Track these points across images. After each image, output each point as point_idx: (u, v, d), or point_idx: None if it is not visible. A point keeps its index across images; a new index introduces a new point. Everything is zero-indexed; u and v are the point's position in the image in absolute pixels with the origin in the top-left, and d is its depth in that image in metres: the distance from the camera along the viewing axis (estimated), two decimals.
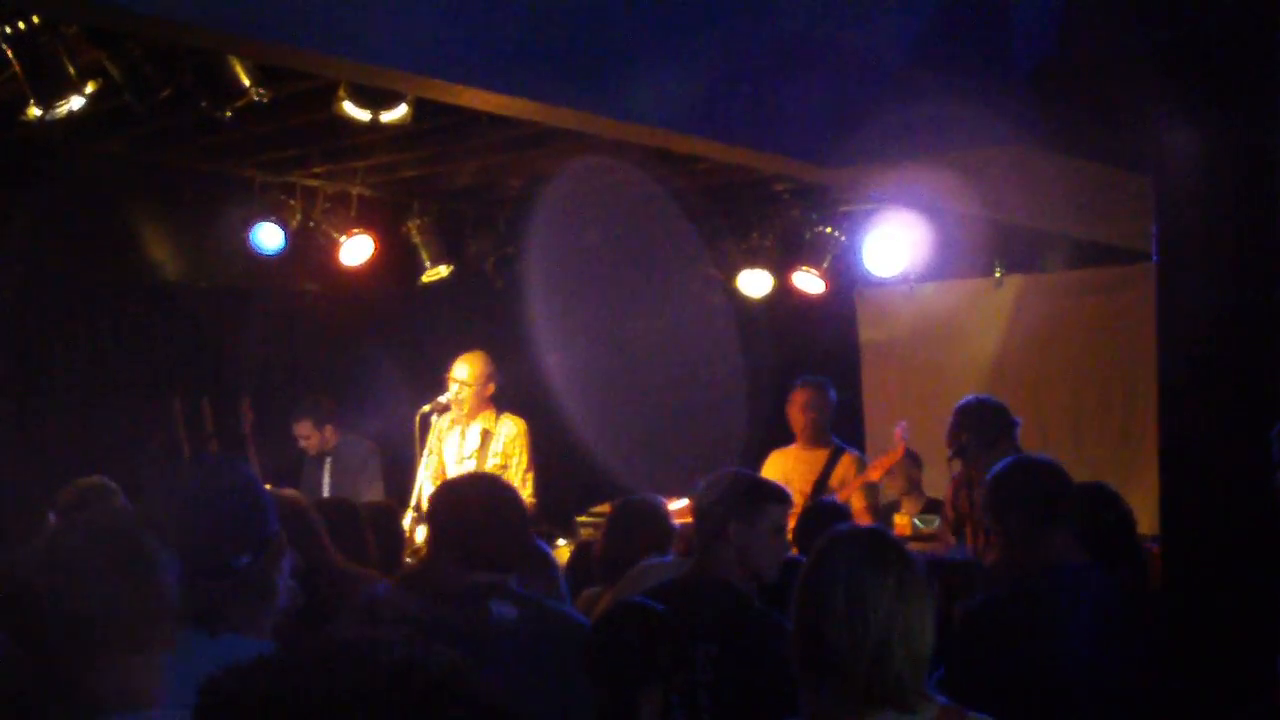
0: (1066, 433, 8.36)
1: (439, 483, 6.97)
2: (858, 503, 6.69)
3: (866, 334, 9.69)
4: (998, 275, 8.92)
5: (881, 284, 8.98)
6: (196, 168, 7.76)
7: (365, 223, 8.13)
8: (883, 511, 7.23)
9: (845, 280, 8.89)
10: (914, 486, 7.59)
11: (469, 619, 3.26)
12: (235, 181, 7.83)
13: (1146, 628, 3.78)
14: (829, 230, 8.22)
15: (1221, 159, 4.22)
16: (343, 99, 5.72)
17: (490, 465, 7.07)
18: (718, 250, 8.82)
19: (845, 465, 7.04)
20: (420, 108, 5.76)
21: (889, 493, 7.53)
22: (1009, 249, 8.73)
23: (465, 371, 7.04)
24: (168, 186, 7.84)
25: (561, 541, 7.41)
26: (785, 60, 5.02)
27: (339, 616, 3.53)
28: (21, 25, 4.86)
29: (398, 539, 5.48)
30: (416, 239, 8.40)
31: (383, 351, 8.47)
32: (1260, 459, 4.04)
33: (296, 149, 7.36)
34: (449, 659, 1.33)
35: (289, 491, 4.66)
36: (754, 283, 8.64)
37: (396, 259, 8.43)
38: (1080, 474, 5.47)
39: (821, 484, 6.92)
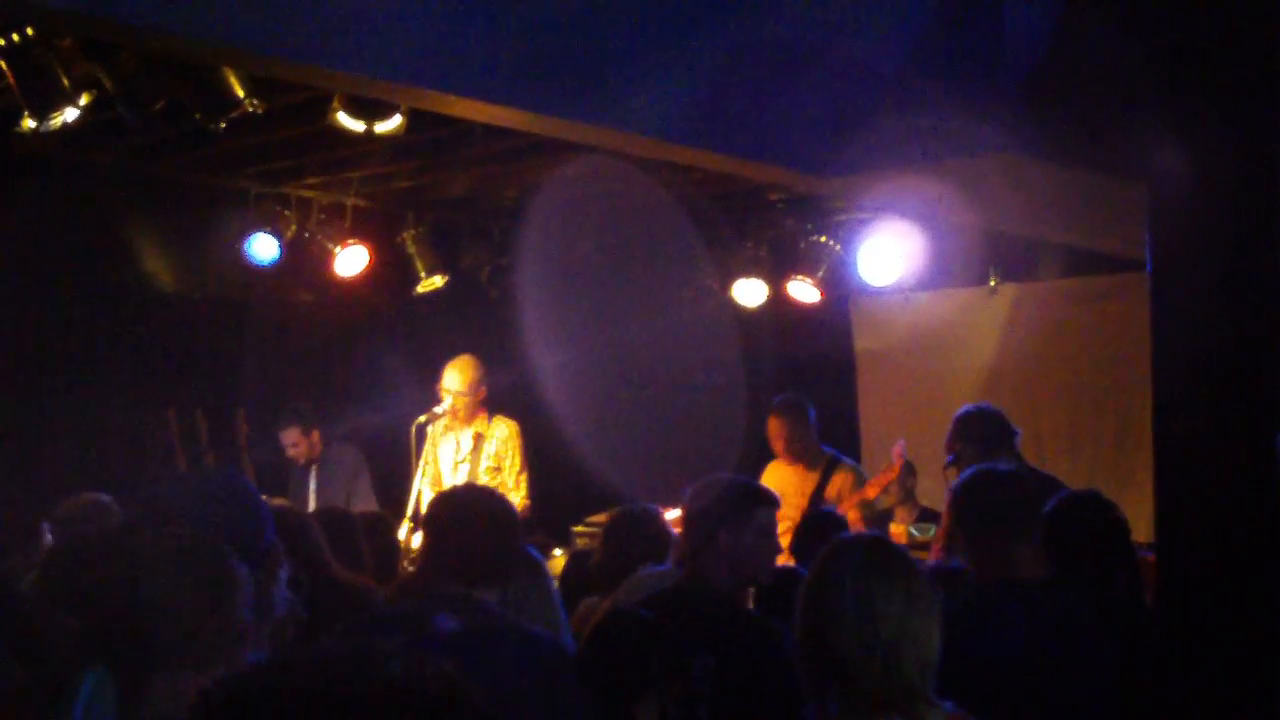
0: (1062, 440, 8.37)
1: (436, 489, 6.98)
2: (853, 516, 6.68)
3: (861, 343, 9.70)
4: (992, 284, 8.93)
5: (876, 293, 8.98)
6: (191, 179, 7.76)
7: (360, 233, 8.13)
8: (877, 521, 7.23)
9: (840, 289, 8.89)
10: (908, 496, 7.60)
11: (407, 632, 3.25)
12: (230, 192, 7.83)
13: (1115, 645, 3.75)
14: (824, 239, 8.22)
15: (1214, 167, 4.23)
16: (337, 110, 5.73)
17: (484, 467, 7.08)
18: (712, 259, 8.83)
19: (841, 477, 7.02)
20: (414, 118, 5.77)
21: (884, 502, 7.53)
22: (1003, 257, 8.73)
23: (456, 380, 7.03)
24: (162, 198, 7.84)
25: (557, 551, 7.41)
26: (779, 70, 5.02)
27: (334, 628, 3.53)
28: (15, 37, 4.86)
29: (393, 549, 5.49)
30: (411, 249, 8.40)
31: (378, 362, 8.47)
32: (1255, 465, 4.05)
33: (291, 160, 7.36)
34: (442, 671, 1.33)
35: (279, 502, 4.66)
36: (749, 292, 8.65)
37: (391, 269, 8.43)
38: (1075, 481, 5.51)
39: (818, 496, 6.91)
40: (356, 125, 5.75)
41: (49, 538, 4.67)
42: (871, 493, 7.00)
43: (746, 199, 8.10)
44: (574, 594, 5.11)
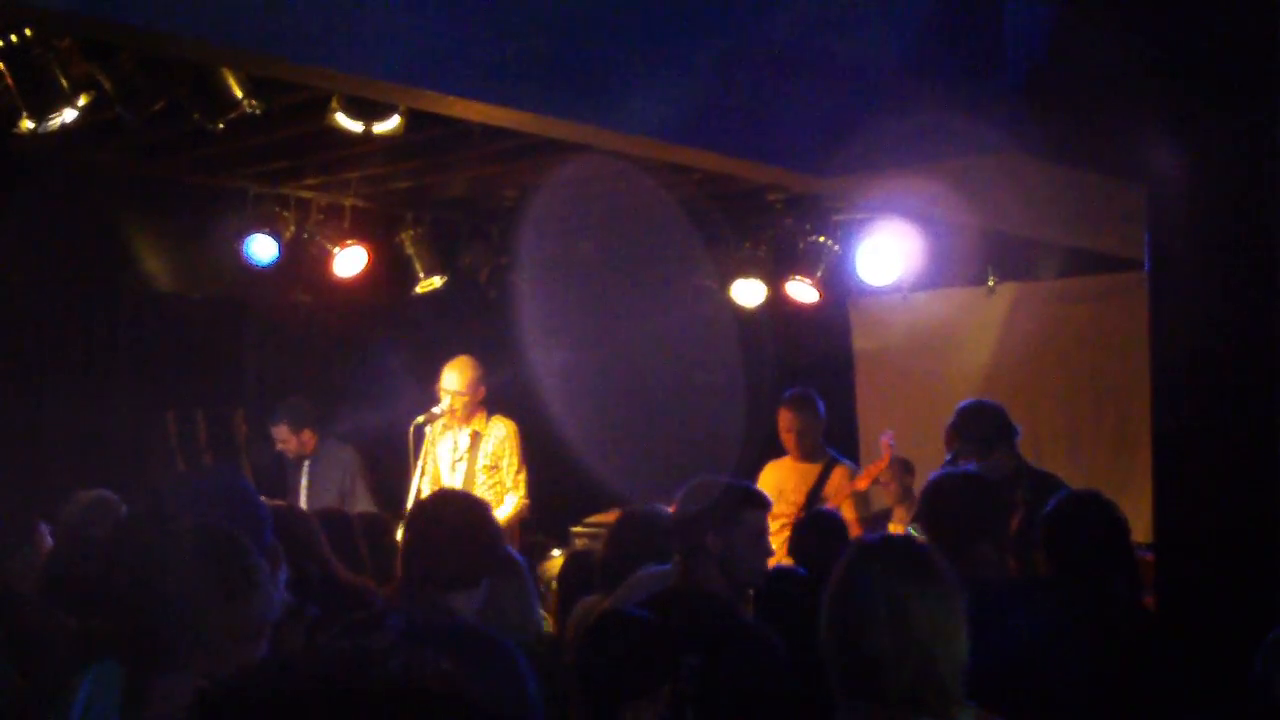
0: (1060, 440, 8.37)
1: (434, 489, 6.98)
2: (848, 513, 6.67)
3: (860, 343, 9.70)
4: (991, 283, 8.93)
5: (875, 293, 8.98)
6: (189, 180, 7.76)
7: (359, 234, 8.13)
8: (875, 520, 7.23)
9: (839, 289, 8.89)
10: (907, 494, 7.59)
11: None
12: (228, 193, 7.83)
13: (1087, 646, 3.75)
14: (822, 239, 8.22)
15: (1213, 167, 4.23)
16: (335, 111, 5.73)
17: (481, 466, 7.08)
18: (711, 259, 8.82)
19: (839, 477, 7.02)
20: (413, 119, 5.77)
21: (882, 501, 7.53)
22: (1002, 257, 8.73)
23: (455, 381, 7.04)
24: (161, 198, 7.83)
25: (556, 552, 7.41)
26: (778, 70, 5.03)
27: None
28: (14, 38, 4.86)
29: (391, 550, 5.47)
30: (410, 250, 8.40)
31: (376, 362, 8.46)
32: (1253, 465, 4.05)
33: (289, 160, 7.36)
34: (441, 669, 1.32)
35: (279, 503, 4.66)
36: (747, 292, 8.64)
37: (390, 270, 8.43)
38: (1074, 481, 5.51)
39: (815, 495, 6.91)
40: (355, 125, 5.75)
41: (49, 539, 4.66)
42: (862, 484, 6.99)
43: (745, 199, 8.10)
44: (573, 594, 5.10)
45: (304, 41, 3.95)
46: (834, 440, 7.49)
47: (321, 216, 8.07)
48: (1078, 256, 8.24)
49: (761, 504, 3.94)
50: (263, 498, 3.23)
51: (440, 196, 8.25)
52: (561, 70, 4.53)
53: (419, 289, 8.50)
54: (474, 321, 8.99)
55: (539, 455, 7.51)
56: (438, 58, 4.23)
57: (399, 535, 6.31)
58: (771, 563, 4.44)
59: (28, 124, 5.09)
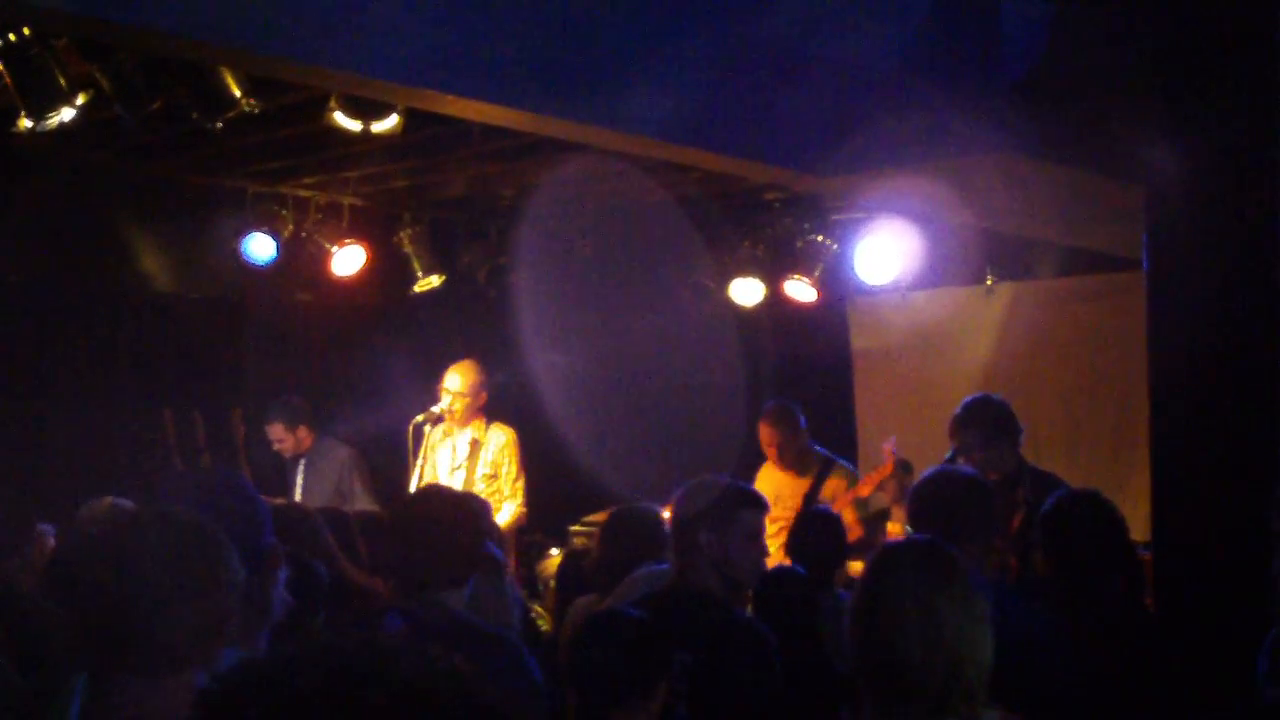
0: (1058, 440, 8.36)
1: None
2: (849, 515, 6.66)
3: (858, 342, 9.69)
4: (989, 283, 8.93)
5: (873, 292, 8.98)
6: (188, 179, 7.77)
7: (357, 233, 8.13)
8: (874, 520, 7.22)
9: (837, 288, 8.89)
10: (905, 494, 7.58)
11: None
12: (227, 192, 7.83)
13: (1081, 648, 3.75)
14: (820, 239, 8.22)
15: (1211, 166, 4.23)
16: (334, 110, 5.73)
17: (481, 474, 7.07)
18: (710, 259, 8.83)
19: (836, 478, 7.01)
20: (411, 118, 5.77)
21: (880, 501, 7.52)
22: (1000, 257, 8.73)
23: (457, 382, 7.04)
24: (159, 197, 7.84)
25: (554, 551, 7.41)
26: (777, 70, 5.03)
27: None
28: (12, 37, 4.86)
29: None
30: (408, 249, 8.40)
31: (375, 362, 8.46)
32: (1251, 464, 4.05)
33: (288, 160, 7.36)
34: (454, 668, 1.31)
35: (280, 501, 4.66)
36: (746, 291, 8.64)
37: (388, 269, 8.43)
38: (1073, 481, 5.51)
39: (812, 498, 6.89)
40: (353, 125, 5.75)
41: (50, 539, 4.66)
42: (865, 490, 6.98)
43: (744, 198, 8.11)
44: (570, 593, 5.11)
45: (302, 41, 3.95)
46: (832, 440, 7.49)
47: (320, 216, 8.07)
48: (1076, 256, 8.25)
49: (757, 504, 3.94)
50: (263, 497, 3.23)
51: (439, 196, 8.25)
52: (560, 70, 4.53)
53: (417, 288, 8.50)
54: (472, 321, 8.99)
55: (537, 454, 7.51)
56: (436, 57, 4.23)
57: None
58: (770, 563, 4.44)
59: (26, 123, 5.08)
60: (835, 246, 8.23)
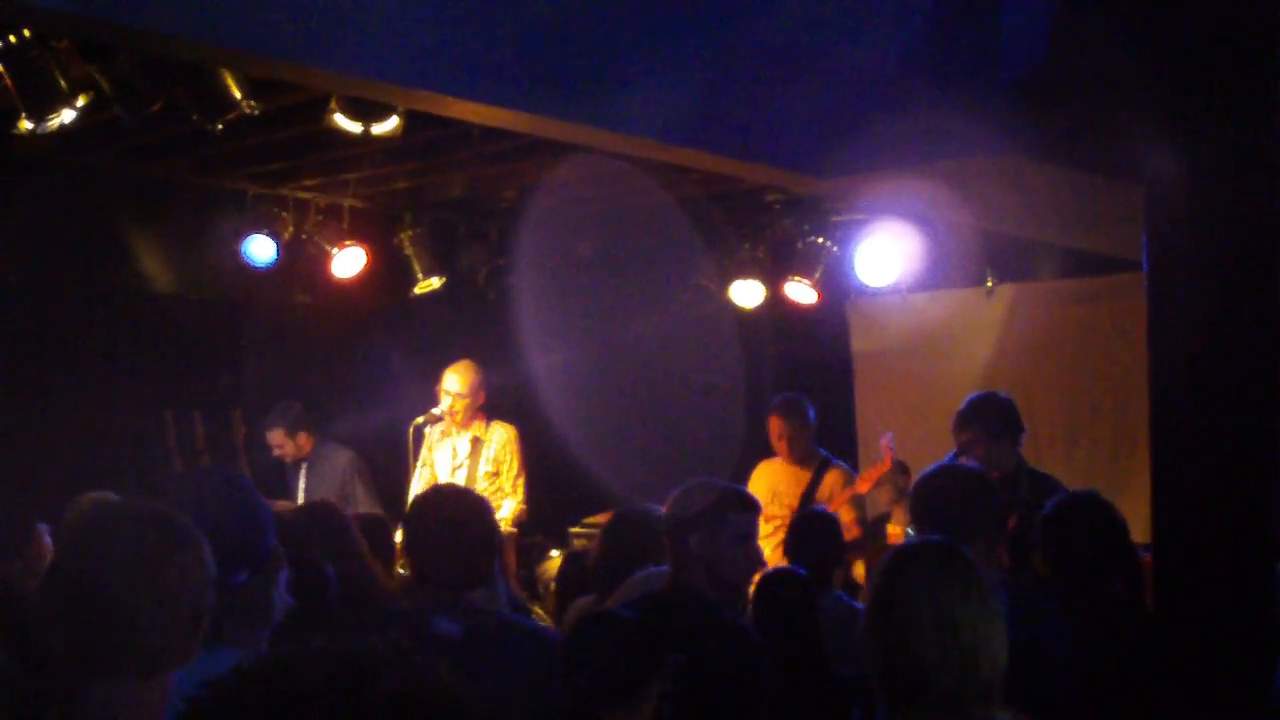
0: (1059, 441, 8.36)
1: None
2: (846, 515, 6.67)
3: (858, 344, 9.69)
4: (989, 285, 8.93)
5: (873, 294, 8.98)
6: (188, 180, 7.77)
7: (357, 234, 8.13)
8: (874, 522, 7.22)
9: (837, 290, 8.89)
10: (903, 496, 7.58)
11: (410, 633, 3.25)
12: (227, 194, 7.84)
13: (1082, 649, 3.74)
14: (820, 240, 8.22)
15: (1211, 168, 4.23)
16: (334, 111, 5.73)
17: (483, 473, 7.07)
18: (710, 260, 8.83)
19: (832, 478, 7.02)
20: (412, 120, 5.77)
21: (879, 503, 7.52)
22: (1000, 258, 8.73)
23: (456, 383, 7.04)
24: (159, 199, 7.84)
25: (554, 552, 7.40)
26: (777, 72, 5.03)
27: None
28: (13, 39, 4.86)
29: (389, 551, 5.47)
30: (409, 250, 8.41)
31: (375, 363, 8.46)
32: (1252, 466, 4.05)
33: (288, 161, 7.37)
34: (441, 680, 1.31)
35: (283, 504, 4.66)
36: (746, 293, 8.64)
37: (389, 271, 8.43)
38: (1073, 482, 5.51)
39: (809, 497, 6.90)
40: (354, 126, 5.76)
41: (49, 540, 4.65)
42: (863, 487, 6.98)
43: (744, 200, 8.11)
44: (570, 595, 5.11)
45: (303, 42, 3.96)
46: (832, 441, 7.49)
47: (320, 217, 8.08)
48: (1076, 257, 8.25)
49: (748, 507, 3.92)
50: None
51: (439, 197, 8.25)
52: (560, 71, 4.53)
53: (417, 290, 8.51)
54: (472, 322, 8.99)
55: (537, 456, 7.51)
56: (436, 59, 4.23)
57: (398, 536, 6.36)
58: (768, 563, 4.44)
59: (26, 125, 5.09)
60: (835, 248, 8.23)
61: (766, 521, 6.42)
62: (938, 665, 2.45)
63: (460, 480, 7.02)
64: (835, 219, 8.25)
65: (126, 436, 7.45)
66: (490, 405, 7.24)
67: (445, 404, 7.02)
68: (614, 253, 9.25)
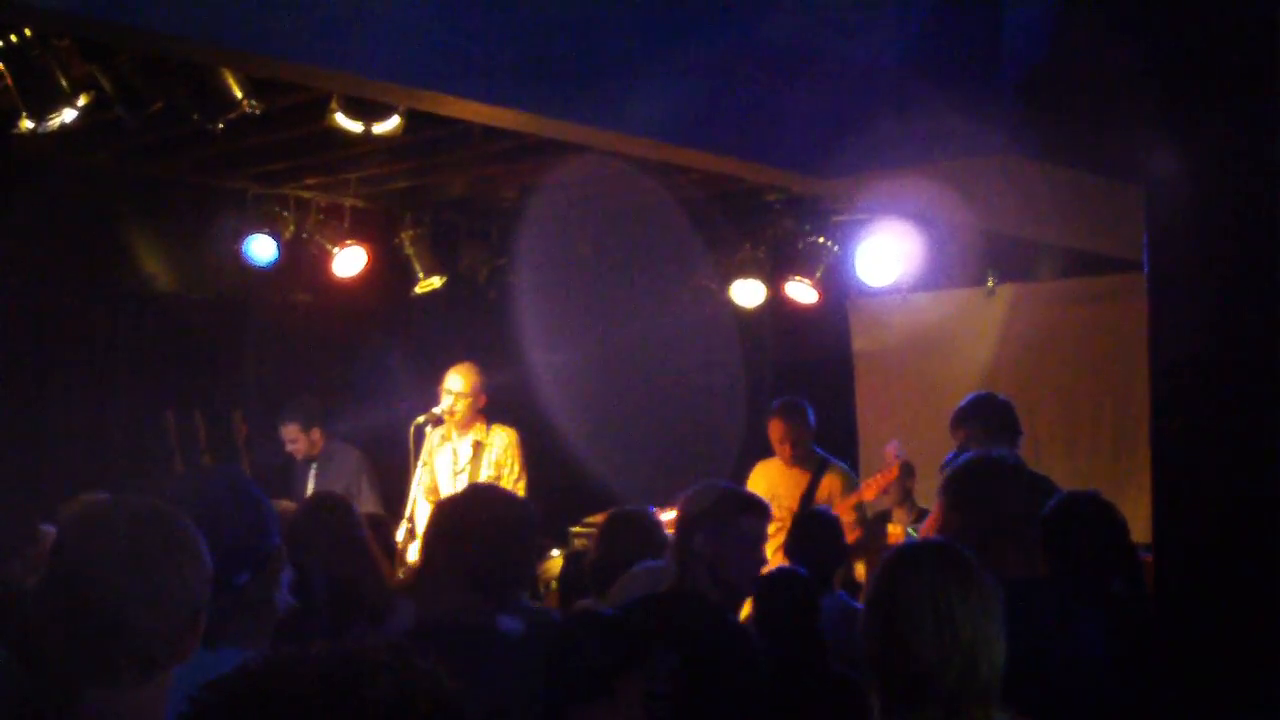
0: (1059, 441, 8.37)
1: (431, 498, 6.98)
2: (846, 516, 6.66)
3: (859, 344, 9.69)
4: (990, 284, 8.93)
5: (874, 294, 8.98)
6: (189, 180, 7.77)
7: (358, 234, 8.14)
8: (874, 522, 7.22)
9: (838, 290, 8.89)
10: (906, 496, 7.59)
11: (475, 633, 3.26)
12: (228, 193, 7.84)
13: (1122, 639, 3.73)
14: (821, 240, 8.22)
15: (1211, 168, 4.23)
16: (335, 111, 5.73)
17: (484, 476, 7.07)
18: (710, 260, 8.83)
19: (830, 479, 7.01)
20: (412, 119, 5.77)
21: (881, 503, 7.52)
22: (1001, 258, 8.73)
23: (459, 383, 7.04)
24: (160, 199, 7.85)
25: (555, 552, 7.41)
26: (777, 71, 5.03)
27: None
28: (14, 38, 4.86)
29: (390, 552, 5.49)
30: (409, 250, 8.41)
31: (376, 363, 8.46)
32: (1252, 467, 4.05)
33: (289, 161, 7.37)
34: (433, 683, 1.31)
35: (286, 504, 4.66)
36: (747, 293, 8.64)
37: (390, 270, 8.44)
38: (1073, 483, 5.50)
39: (808, 498, 6.90)
40: (355, 126, 5.75)
41: (51, 540, 4.66)
42: (869, 494, 6.98)
43: (744, 200, 8.11)
44: (572, 595, 5.11)
45: (304, 42, 3.95)
46: (833, 442, 7.49)
47: (321, 217, 8.08)
48: (1077, 257, 8.25)
49: (758, 510, 3.91)
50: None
51: (440, 197, 8.26)
52: (561, 71, 4.53)
53: (418, 289, 8.51)
54: (473, 322, 9.00)
55: (538, 456, 7.51)
56: (437, 58, 4.23)
57: (399, 536, 6.37)
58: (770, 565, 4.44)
59: (27, 124, 5.09)
60: (836, 248, 8.23)
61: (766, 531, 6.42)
62: (938, 665, 2.45)
63: (463, 484, 7.01)
64: (836, 219, 8.25)
65: (127, 436, 7.46)
66: (491, 406, 7.24)
67: (447, 403, 7.01)
68: (614, 252, 9.24)
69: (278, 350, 8.54)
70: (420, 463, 7.06)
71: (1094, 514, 4.19)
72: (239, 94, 5.22)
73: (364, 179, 7.78)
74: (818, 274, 8.25)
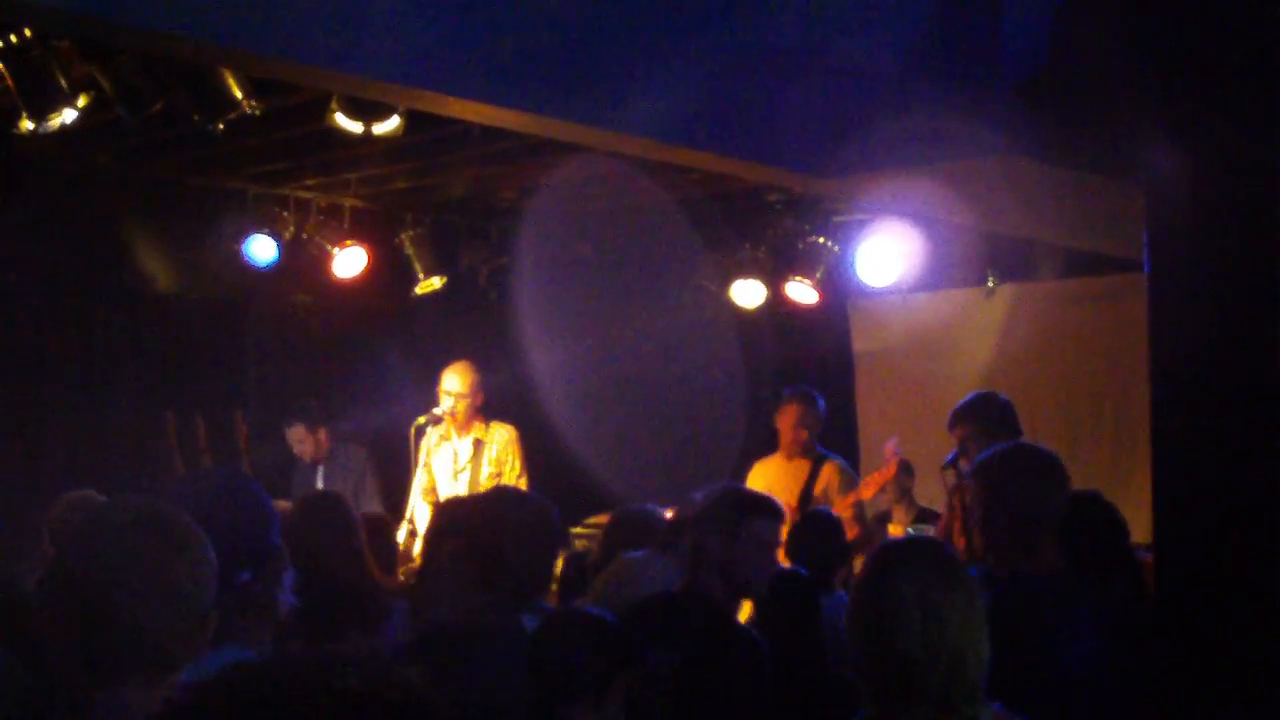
0: (1059, 441, 8.30)
1: (429, 499, 6.98)
2: (845, 514, 6.66)
3: (860, 344, 9.70)
4: (990, 285, 8.93)
5: (874, 294, 8.99)
6: (189, 180, 7.77)
7: (358, 234, 8.13)
8: (874, 521, 7.22)
9: (838, 290, 8.90)
10: (905, 495, 7.60)
11: (503, 632, 3.26)
12: (228, 194, 7.84)
13: (1135, 637, 3.74)
14: (822, 240, 8.22)
15: (1212, 168, 4.23)
16: (335, 111, 5.73)
17: (485, 474, 7.07)
18: (711, 260, 8.83)
19: (828, 473, 6.99)
20: (412, 119, 5.77)
21: (880, 502, 7.52)
22: (1001, 258, 8.74)
23: (457, 383, 7.03)
24: (160, 199, 7.84)
25: None
26: (778, 71, 5.03)
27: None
28: (14, 39, 4.87)
29: (391, 552, 5.48)
30: (410, 250, 8.40)
31: (376, 363, 8.46)
32: (1253, 467, 4.05)
33: (289, 161, 7.36)
34: (402, 681, 1.31)
35: (284, 504, 4.65)
36: (747, 293, 8.65)
37: (390, 270, 8.43)
38: (1073, 483, 5.49)
39: (807, 495, 6.89)
40: (354, 126, 5.75)
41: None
42: (868, 493, 6.98)
43: (744, 200, 8.11)
44: (572, 595, 5.11)
45: (303, 42, 3.95)
46: (834, 441, 7.48)
47: (321, 217, 8.08)
48: (1077, 258, 8.25)
49: (770, 513, 3.89)
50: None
51: (440, 197, 8.25)
52: (561, 71, 4.53)
53: (418, 290, 8.50)
54: (473, 322, 8.99)
55: (538, 456, 7.50)
56: (437, 58, 4.23)
57: (400, 537, 6.36)
58: None
59: (27, 124, 5.09)
60: (836, 248, 8.23)
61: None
62: (924, 663, 2.44)
63: (463, 484, 7.01)
64: (836, 219, 8.25)
65: (127, 437, 7.45)
66: (491, 405, 7.24)
67: (446, 404, 7.01)
68: (615, 252, 9.25)
69: (278, 351, 8.54)
70: (418, 468, 7.06)
71: (1094, 514, 4.19)
72: (239, 94, 5.23)
73: (364, 179, 7.78)
74: (818, 274, 8.24)
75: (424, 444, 7.11)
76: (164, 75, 5.12)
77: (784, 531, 4.29)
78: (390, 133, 5.82)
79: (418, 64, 4.22)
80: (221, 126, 5.40)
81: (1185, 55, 4.31)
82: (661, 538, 4.76)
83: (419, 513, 7.00)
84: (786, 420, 7.07)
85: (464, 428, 7.09)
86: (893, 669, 2.48)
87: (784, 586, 4.25)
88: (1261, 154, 4.11)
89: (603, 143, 5.26)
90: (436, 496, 7.01)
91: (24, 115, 5.06)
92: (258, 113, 5.39)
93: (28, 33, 4.86)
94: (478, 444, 7.10)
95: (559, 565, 6.32)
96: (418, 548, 5.98)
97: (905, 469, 7.45)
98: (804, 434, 7.02)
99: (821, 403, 7.13)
